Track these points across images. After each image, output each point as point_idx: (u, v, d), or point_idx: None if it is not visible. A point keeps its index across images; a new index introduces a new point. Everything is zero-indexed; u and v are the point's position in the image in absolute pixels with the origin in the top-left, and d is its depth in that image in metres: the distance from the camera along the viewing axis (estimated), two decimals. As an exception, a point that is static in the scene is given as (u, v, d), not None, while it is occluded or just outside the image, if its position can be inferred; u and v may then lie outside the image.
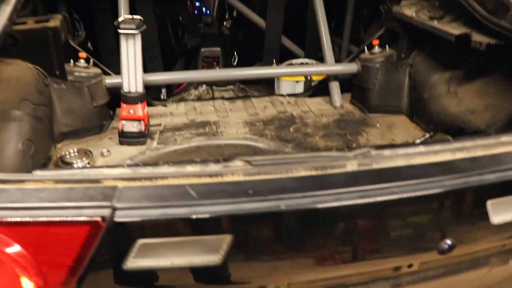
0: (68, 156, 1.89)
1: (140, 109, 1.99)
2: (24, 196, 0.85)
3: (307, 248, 0.91)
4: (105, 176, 0.89)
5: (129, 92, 1.99)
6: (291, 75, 2.56)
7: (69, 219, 0.83)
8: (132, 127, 1.98)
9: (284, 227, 0.87)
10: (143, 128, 2.00)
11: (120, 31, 1.87)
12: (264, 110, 2.28)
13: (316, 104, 2.34)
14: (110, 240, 0.83)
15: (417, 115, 2.16)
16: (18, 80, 1.85)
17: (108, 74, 2.18)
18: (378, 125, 2.14)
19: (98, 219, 0.82)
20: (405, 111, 2.22)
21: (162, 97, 2.84)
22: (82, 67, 2.07)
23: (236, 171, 0.87)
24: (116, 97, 2.10)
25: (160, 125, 2.15)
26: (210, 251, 0.84)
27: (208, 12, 3.45)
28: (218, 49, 3.10)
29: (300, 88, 2.77)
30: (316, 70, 2.39)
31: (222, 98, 2.54)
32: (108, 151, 1.95)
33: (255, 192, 0.84)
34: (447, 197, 0.96)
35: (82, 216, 0.82)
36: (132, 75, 1.97)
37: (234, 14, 3.41)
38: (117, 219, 0.82)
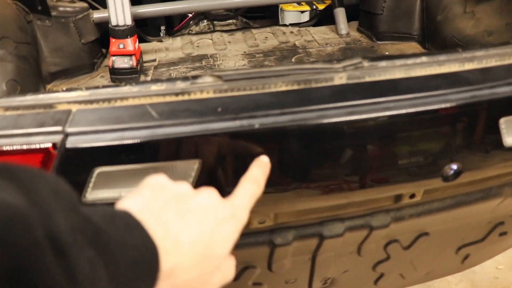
0: (57, 96, 1.80)
1: (130, 43, 1.87)
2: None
3: (290, 174, 0.81)
4: (59, 100, 0.78)
5: (117, 26, 1.85)
6: (293, 1, 2.38)
7: (18, 147, 0.73)
8: (123, 62, 1.87)
9: (261, 149, 0.76)
10: (134, 64, 1.88)
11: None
12: (265, 41, 2.13)
13: (320, 33, 2.18)
14: (65, 169, 0.74)
15: (430, 41, 1.99)
16: (-4, 17, 1.74)
17: (96, 8, 2.05)
18: (387, 53, 1.99)
19: (49, 145, 0.72)
20: (416, 37, 2.05)
21: (161, 35, 2.70)
22: (66, 2, 1.94)
23: (205, 88, 0.76)
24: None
25: (154, 60, 2.03)
26: (177, 178, 0.74)
27: None
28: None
29: (305, 19, 2.60)
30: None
31: (223, 31, 2.39)
32: (98, 89, 1.84)
33: (225, 110, 0.73)
34: (452, 114, 0.83)
35: (32, 144, 0.73)
36: (119, 6, 1.83)
37: None
38: (70, 145, 0.72)
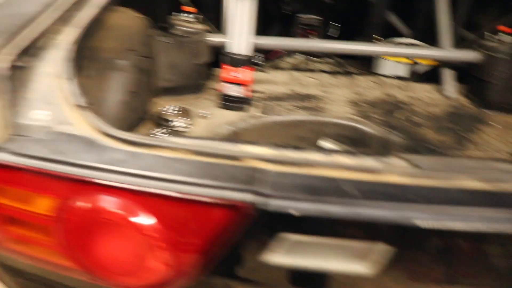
0: (167, 113, 1.85)
1: (245, 73, 1.90)
2: (159, 164, 0.79)
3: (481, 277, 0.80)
4: (248, 154, 0.80)
5: (235, 54, 1.90)
6: (401, 56, 2.37)
7: (211, 200, 0.75)
8: (235, 91, 1.90)
9: (457, 249, 0.75)
10: (247, 94, 1.91)
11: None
12: (369, 90, 2.13)
13: (425, 91, 2.16)
14: (252, 229, 0.76)
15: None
16: (124, 29, 1.80)
17: (212, 32, 2.11)
18: (496, 124, 1.95)
19: (244, 204, 0.74)
20: (532, 114, 2.00)
21: (257, 62, 2.74)
22: (187, 22, 1.99)
23: (397, 171, 0.76)
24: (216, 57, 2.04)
25: (261, 92, 2.06)
26: (361, 259, 0.75)
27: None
28: (318, 18, 2.94)
29: (402, 70, 2.58)
30: (430, 53, 2.20)
31: (323, 71, 2.41)
32: (208, 113, 1.89)
33: (420, 200, 0.72)
34: None
35: (227, 199, 0.75)
36: (241, 35, 1.87)
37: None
38: (264, 207, 0.73)
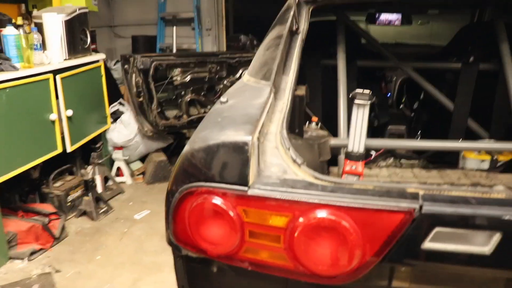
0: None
1: (360, 166, 2.47)
2: (353, 191, 1.34)
3: None
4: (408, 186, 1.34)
5: (352, 151, 2.48)
6: (487, 150, 2.86)
7: (391, 208, 1.28)
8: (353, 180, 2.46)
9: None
10: (360, 181, 2.46)
11: (356, 101, 2.41)
12: (458, 180, 2.62)
13: (507, 179, 2.61)
14: (414, 227, 1.27)
15: None
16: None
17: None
18: None
19: (411, 209, 1.26)
20: None
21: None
22: (313, 129, 2.63)
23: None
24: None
25: (370, 183, 2.59)
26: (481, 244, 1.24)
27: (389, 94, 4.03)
28: (404, 127, 3.55)
29: (485, 167, 3.04)
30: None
31: (414, 166, 2.93)
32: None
33: None
34: None
35: (401, 207, 1.27)
36: (357, 137, 2.47)
37: (421, 96, 3.88)
38: (423, 211, 1.25)
